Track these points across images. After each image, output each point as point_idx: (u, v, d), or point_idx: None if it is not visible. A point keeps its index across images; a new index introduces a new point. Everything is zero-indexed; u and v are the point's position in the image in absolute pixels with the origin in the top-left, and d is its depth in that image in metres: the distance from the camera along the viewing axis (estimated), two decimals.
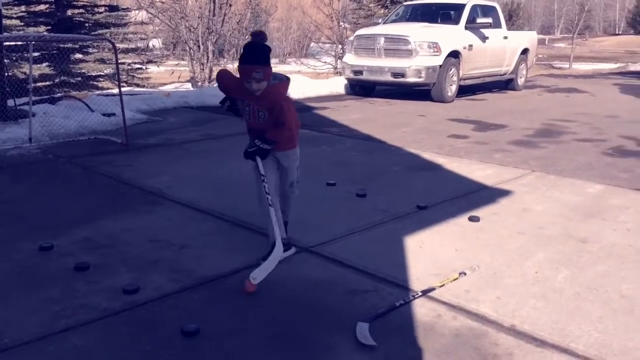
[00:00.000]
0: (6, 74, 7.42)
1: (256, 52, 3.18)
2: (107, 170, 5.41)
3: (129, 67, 11.89)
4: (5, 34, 7.18)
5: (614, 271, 3.37)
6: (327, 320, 2.79)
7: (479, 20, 11.37)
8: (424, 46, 10.34)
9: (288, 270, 3.33)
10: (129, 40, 12.70)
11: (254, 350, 2.53)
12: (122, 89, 7.13)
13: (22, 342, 2.53)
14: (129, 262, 3.39)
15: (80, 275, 3.19)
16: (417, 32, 10.59)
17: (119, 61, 7.24)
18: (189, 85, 12.45)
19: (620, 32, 56.98)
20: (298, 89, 11.09)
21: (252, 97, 3.27)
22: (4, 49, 7.33)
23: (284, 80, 3.35)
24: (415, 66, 10.27)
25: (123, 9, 12.67)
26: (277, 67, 21.73)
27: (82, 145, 6.45)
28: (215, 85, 12.31)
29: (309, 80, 12.35)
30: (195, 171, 5.46)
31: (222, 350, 2.52)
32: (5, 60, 7.40)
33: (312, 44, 26.92)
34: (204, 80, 12.60)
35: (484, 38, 11.45)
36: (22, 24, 10.19)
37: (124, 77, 11.65)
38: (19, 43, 9.24)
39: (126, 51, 11.93)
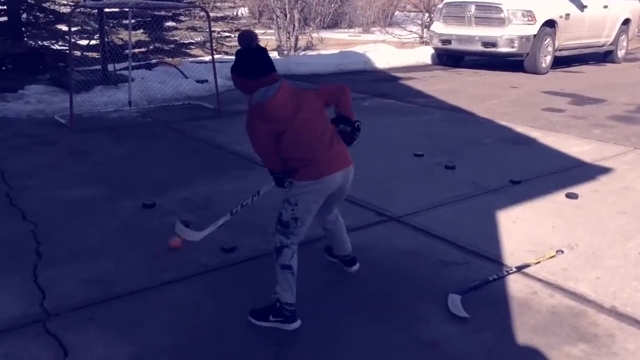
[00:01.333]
0: (106, 40, 7.78)
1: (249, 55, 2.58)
2: (201, 134, 5.61)
3: (219, 35, 12.14)
4: (104, 0, 7.50)
5: None
6: (417, 290, 2.80)
7: None
8: (518, 14, 9.90)
9: (377, 239, 3.36)
10: (219, 9, 12.94)
11: (347, 314, 2.59)
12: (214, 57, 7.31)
13: (132, 291, 2.72)
14: (225, 223, 3.51)
15: None
16: (511, 0, 10.14)
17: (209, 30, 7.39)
18: (275, 54, 12.58)
19: None
20: (382, 59, 10.96)
21: None
22: (104, 15, 7.68)
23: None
24: (507, 35, 9.87)
25: None
26: (360, 36, 21.50)
27: (177, 110, 6.71)
28: (301, 54, 12.38)
29: (393, 50, 12.16)
30: None
31: (314, 311, 2.59)
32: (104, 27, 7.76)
33: (396, 13, 26.38)
34: (290, 49, 12.69)
35: (582, 7, 10.81)
36: None
37: (214, 45, 11.92)
38: (116, 10, 9.64)
39: (216, 19, 12.17)
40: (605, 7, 11.57)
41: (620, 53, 12.46)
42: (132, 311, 2.56)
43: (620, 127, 6.17)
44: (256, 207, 3.76)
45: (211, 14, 11.24)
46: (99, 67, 7.48)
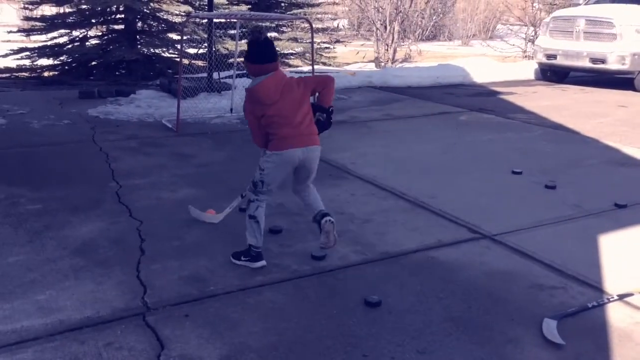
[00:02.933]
0: (213, 49, 8.16)
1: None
2: None
3: (318, 47, 12.37)
4: (214, 11, 7.89)
5: None
6: (510, 312, 2.72)
7: None
8: (631, 30, 9.35)
9: (470, 257, 3.30)
10: (320, 20, 13.20)
11: (434, 330, 2.56)
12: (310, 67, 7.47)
13: (225, 292, 2.83)
14: (316, 231, 3.57)
15: (274, 237, 3.46)
16: (624, 14, 9.60)
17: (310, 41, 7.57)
18: (372, 65, 12.63)
19: None
20: (482, 73, 10.71)
21: None
22: (213, 26, 8.06)
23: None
24: (619, 52, 9.34)
25: None
26: (458, 49, 21.12)
27: None
28: (398, 66, 12.37)
29: (494, 64, 11.85)
30: (377, 149, 5.58)
31: (403, 325, 2.59)
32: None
33: (499, 26, 25.71)
34: (388, 61, 12.70)
35: None
36: (227, 2, 11.07)
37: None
38: (222, 20, 10.10)
39: (316, 31, 12.42)
40: None
41: None
42: (225, 311, 2.67)
43: None
44: (347, 218, 3.81)
45: (313, 26, 11.52)
46: (204, 74, 7.85)
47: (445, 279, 3.03)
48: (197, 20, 9.56)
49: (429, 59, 13.97)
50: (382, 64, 12.65)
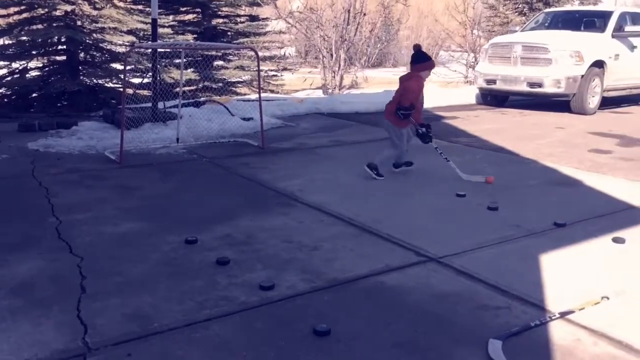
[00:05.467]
0: (157, 78, 8.09)
1: (425, 54, 5.60)
2: (244, 171, 5.72)
3: (266, 74, 12.43)
4: (159, 41, 7.84)
5: None
6: (457, 334, 2.76)
7: (627, 29, 10.56)
8: (565, 55, 9.81)
9: (416, 280, 3.33)
10: (267, 49, 13.28)
11: (382, 356, 2.56)
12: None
13: (170, 328, 2.76)
14: (265, 260, 3.56)
15: (221, 269, 3.41)
16: (558, 40, 10.08)
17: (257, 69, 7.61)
18: (319, 92, 12.78)
19: None
20: (426, 98, 10.95)
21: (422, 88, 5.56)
22: (157, 55, 8.00)
23: None
24: (554, 76, 9.77)
25: (262, 18, 13.29)
26: (402, 74, 21.64)
27: (222, 147, 6.87)
28: (345, 92, 12.54)
29: (437, 89, 12.19)
30: (325, 175, 5.61)
31: (352, 353, 2.58)
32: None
33: (441, 52, 26.50)
34: (335, 88, 12.87)
35: (632, 47, 10.64)
36: (172, 32, 11.02)
37: (260, 83, 12.21)
38: (168, 50, 10.04)
39: (263, 59, 12.49)
40: None
41: None
42: (170, 347, 2.60)
43: None
44: (295, 246, 3.80)
45: (260, 54, 11.58)
46: (149, 104, 7.75)
47: (394, 303, 3.05)
48: (142, 50, 9.48)
49: (375, 85, 14.24)
50: (330, 90, 12.81)
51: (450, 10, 16.99)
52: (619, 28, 10.56)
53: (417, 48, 5.54)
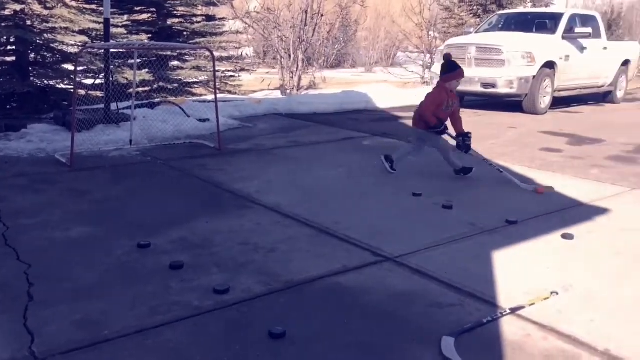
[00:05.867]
0: (110, 79, 7.92)
1: (456, 63, 5.54)
2: (200, 173, 5.65)
3: (223, 75, 12.31)
4: (112, 42, 7.67)
5: None
6: (411, 332, 2.78)
7: (577, 30, 10.90)
8: (517, 56, 10.05)
9: (373, 280, 3.35)
10: (224, 49, 13.16)
11: (338, 356, 2.56)
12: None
13: (121, 335, 2.70)
14: (220, 263, 3.52)
15: (175, 273, 3.36)
16: (511, 42, 10.31)
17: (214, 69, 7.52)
18: (277, 93, 12.73)
19: None
20: (384, 99, 11.08)
21: (450, 96, 5.49)
22: (110, 56, 7.82)
23: None
24: (507, 77, 9.99)
25: (219, 19, 13.15)
26: (362, 75, 21.77)
27: (177, 149, 6.77)
28: (303, 93, 12.53)
29: (395, 90, 12.30)
30: (283, 177, 5.59)
31: (307, 355, 2.57)
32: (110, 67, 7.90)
33: (399, 53, 26.80)
34: (293, 88, 12.84)
35: (582, 49, 10.97)
36: (126, 32, 10.80)
37: (217, 84, 12.10)
38: (122, 50, 9.83)
39: (220, 59, 12.38)
40: (605, 48, 11.75)
41: (620, 94, 12.57)
42: (121, 354, 2.54)
43: (618, 167, 6.19)
44: (252, 248, 3.77)
45: (216, 54, 11.47)
46: (102, 106, 7.58)
47: (350, 304, 3.06)
48: (95, 50, 9.26)
49: (333, 85, 14.28)
50: (288, 91, 12.78)
51: (406, 11, 17.19)
52: (569, 30, 10.88)
53: (447, 58, 5.53)
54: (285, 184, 5.35)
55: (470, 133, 5.60)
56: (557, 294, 3.13)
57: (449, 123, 5.59)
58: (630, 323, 2.86)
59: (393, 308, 3.02)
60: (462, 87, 10.53)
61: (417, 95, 11.74)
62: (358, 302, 3.07)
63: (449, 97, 5.48)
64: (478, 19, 16.22)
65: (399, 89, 12.61)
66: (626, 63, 12.46)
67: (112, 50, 8.02)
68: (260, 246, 3.82)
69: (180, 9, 12.33)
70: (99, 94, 8.99)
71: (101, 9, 8.76)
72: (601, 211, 4.62)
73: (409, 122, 9.06)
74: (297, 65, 12.80)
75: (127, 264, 3.49)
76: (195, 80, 12.07)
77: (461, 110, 10.62)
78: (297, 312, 2.95)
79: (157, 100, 9.18)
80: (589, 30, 11.03)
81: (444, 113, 5.48)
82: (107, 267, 3.44)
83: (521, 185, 5.31)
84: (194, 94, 11.55)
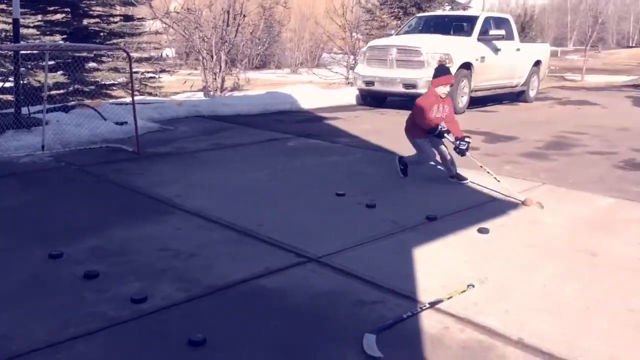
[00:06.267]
0: (21, 82, 7.52)
1: (446, 68, 5.58)
2: (118, 178, 5.45)
3: (142, 76, 11.98)
4: (22, 43, 7.28)
5: (623, 285, 3.34)
6: (335, 331, 2.79)
7: (491, 32, 11.36)
8: (436, 57, 10.34)
9: (296, 281, 3.34)
10: (143, 50, 12.81)
11: None
12: (135, 98, 7.20)
13: (30, 350, 2.55)
14: (138, 271, 3.41)
15: (89, 283, 3.21)
16: (429, 44, 10.61)
17: (133, 70, 7.29)
18: (201, 95, 12.53)
19: (634, 45, 56.54)
20: (309, 100, 11.14)
21: (440, 100, 5.41)
22: (20, 57, 7.43)
23: None
24: (427, 77, 10.24)
25: (138, 19, 12.79)
26: (288, 76, 21.81)
27: (94, 153, 6.51)
28: (227, 94, 12.40)
29: (320, 91, 12.39)
30: (205, 180, 5.49)
31: None
32: (21, 69, 7.50)
33: (324, 55, 27.04)
34: (216, 90, 12.67)
35: (496, 50, 11.44)
36: (39, 32, 10.31)
37: (137, 86, 11.76)
38: (35, 52, 9.37)
39: (140, 60, 12.05)
40: (518, 50, 12.30)
41: (532, 93, 13.20)
42: None
43: (530, 163, 6.49)
44: (172, 254, 3.67)
45: (136, 55, 11.16)
46: (12, 110, 7.18)
47: (273, 306, 3.03)
48: (4, 52, 8.77)
49: (258, 87, 14.22)
50: (211, 93, 12.60)
51: (330, 13, 17.35)
52: (484, 32, 11.32)
53: (438, 64, 5.70)
54: (208, 188, 5.25)
55: (469, 137, 5.52)
56: (474, 286, 3.24)
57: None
58: (540, 311, 2.99)
59: (316, 308, 3.02)
60: (385, 87, 10.82)
61: (342, 96, 11.93)
62: (281, 304, 3.05)
63: (439, 101, 5.39)
64: (399, 21, 16.61)
65: (324, 90, 12.71)
66: (538, 64, 13.10)
67: (23, 52, 7.62)
68: (181, 252, 3.73)
69: (96, 9, 11.92)
70: (9, 97, 8.52)
71: (10, 8, 8.32)
72: (514, 205, 4.83)
73: (334, 123, 9.19)
74: (220, 66, 12.64)
75: (37, 275, 3.31)
76: (113, 82, 11.68)
77: (385, 110, 10.92)
78: (218, 318, 2.90)
79: (71, 103, 8.80)
80: (503, 32, 11.53)
81: (434, 118, 5.37)
82: (17, 279, 3.25)
83: (513, 195, 5.00)
84: (112, 96, 11.19)
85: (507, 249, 3.87)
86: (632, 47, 52.58)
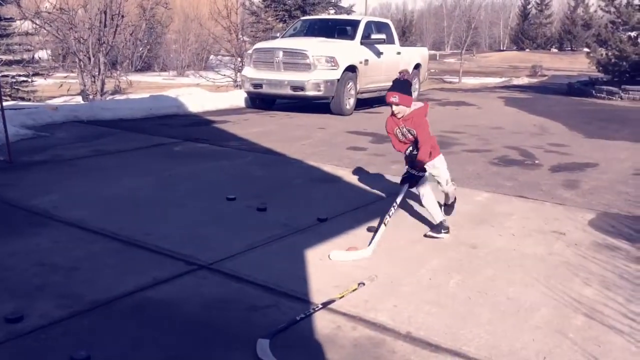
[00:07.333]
0: None
1: (396, 83, 4.20)
2: None
3: (13, 80, 11.15)
4: None
5: (501, 275, 3.57)
6: (227, 339, 2.74)
7: (373, 36, 11.74)
8: (322, 60, 10.52)
9: (186, 290, 3.24)
10: (13, 52, 11.92)
11: None
12: (6, 103, 6.67)
13: None
14: (13, 289, 3.15)
15: None
16: (315, 47, 10.76)
17: (2, 74, 6.76)
18: (79, 99, 11.87)
19: (504, 48, 60.97)
20: (196, 103, 10.90)
21: (397, 122, 4.26)
22: None
23: (422, 105, 4.29)
24: (314, 80, 10.41)
25: (6, 18, 11.88)
26: (174, 79, 21.24)
27: None
28: (108, 98, 11.84)
29: (207, 94, 12.17)
30: (85, 189, 5.19)
31: None
32: None
33: (211, 57, 26.63)
34: (96, 93, 12.05)
35: (378, 53, 11.83)
36: None
37: (7, 90, 10.92)
38: None
39: (10, 63, 11.19)
40: (399, 53, 12.80)
41: (414, 95, 13.76)
42: None
43: None
44: (50, 269, 3.43)
45: (4, 57, 10.35)
46: None
47: (162, 318, 2.92)
48: None
49: (143, 90, 13.72)
50: (90, 96, 11.97)
51: (214, 15, 17.11)
52: (366, 36, 11.67)
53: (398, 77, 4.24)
54: (89, 197, 4.97)
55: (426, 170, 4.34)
56: (364, 284, 3.31)
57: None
58: (424, 304, 3.12)
59: (208, 316, 2.95)
60: (273, 90, 10.84)
61: (230, 99, 11.79)
62: (171, 315, 2.95)
63: (397, 123, 4.24)
64: (284, 24, 16.72)
65: (212, 93, 12.49)
66: (418, 66, 13.71)
67: None
68: (60, 266, 3.50)
69: None
70: None
71: None
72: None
73: (223, 126, 9.06)
74: (99, 69, 12.05)
75: None
76: None
77: (274, 112, 10.92)
78: (103, 334, 2.74)
79: None
80: (384, 36, 11.96)
81: (398, 144, 4.36)
82: None
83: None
84: None
85: (395, 245, 4.01)
86: (502, 50, 56.67)
